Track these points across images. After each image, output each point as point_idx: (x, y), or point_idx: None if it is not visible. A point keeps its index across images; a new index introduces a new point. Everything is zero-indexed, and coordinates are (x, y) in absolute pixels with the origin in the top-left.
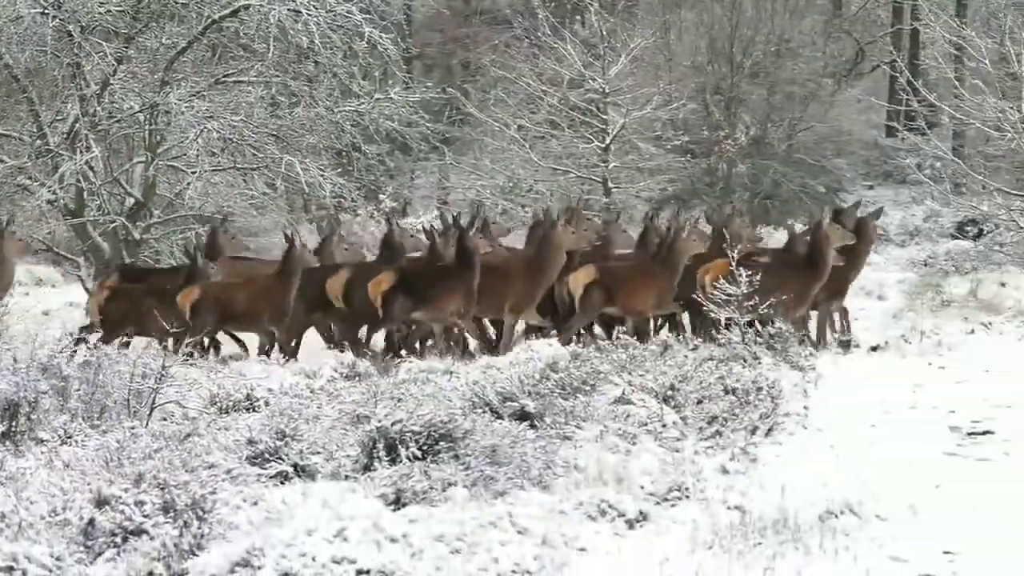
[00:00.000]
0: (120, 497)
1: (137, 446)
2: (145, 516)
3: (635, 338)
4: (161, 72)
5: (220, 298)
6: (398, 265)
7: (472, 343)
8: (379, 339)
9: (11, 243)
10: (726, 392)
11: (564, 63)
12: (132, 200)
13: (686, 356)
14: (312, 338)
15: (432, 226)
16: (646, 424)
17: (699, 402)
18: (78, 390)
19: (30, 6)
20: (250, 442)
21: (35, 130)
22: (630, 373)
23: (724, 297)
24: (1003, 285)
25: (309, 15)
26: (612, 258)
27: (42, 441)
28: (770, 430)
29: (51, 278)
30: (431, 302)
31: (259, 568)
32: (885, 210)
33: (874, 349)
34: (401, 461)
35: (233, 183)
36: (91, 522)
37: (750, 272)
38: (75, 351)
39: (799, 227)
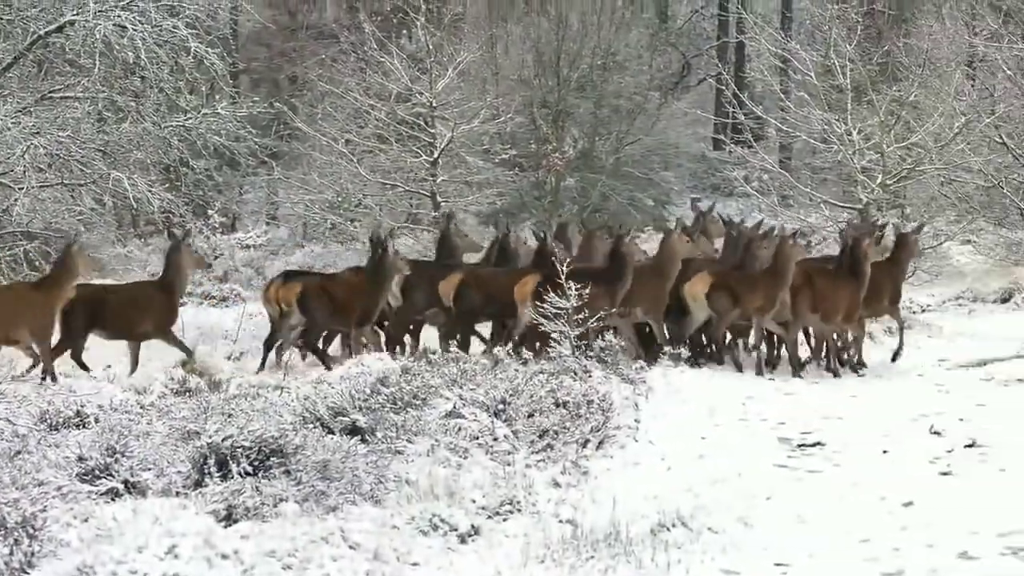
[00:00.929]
0: None
1: None
2: None
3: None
4: None
5: (323, 294)
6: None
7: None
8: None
9: (188, 255)
10: (557, 405)
11: (391, 77)
12: None
13: (517, 370)
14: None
15: (544, 233)
16: (477, 438)
17: (530, 416)
18: None
19: None
20: (80, 459)
21: None
22: (461, 387)
23: (554, 311)
24: None
25: (135, 30)
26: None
27: None
28: (601, 443)
29: None
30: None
31: None
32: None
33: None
34: (232, 477)
35: (61, 199)
36: None
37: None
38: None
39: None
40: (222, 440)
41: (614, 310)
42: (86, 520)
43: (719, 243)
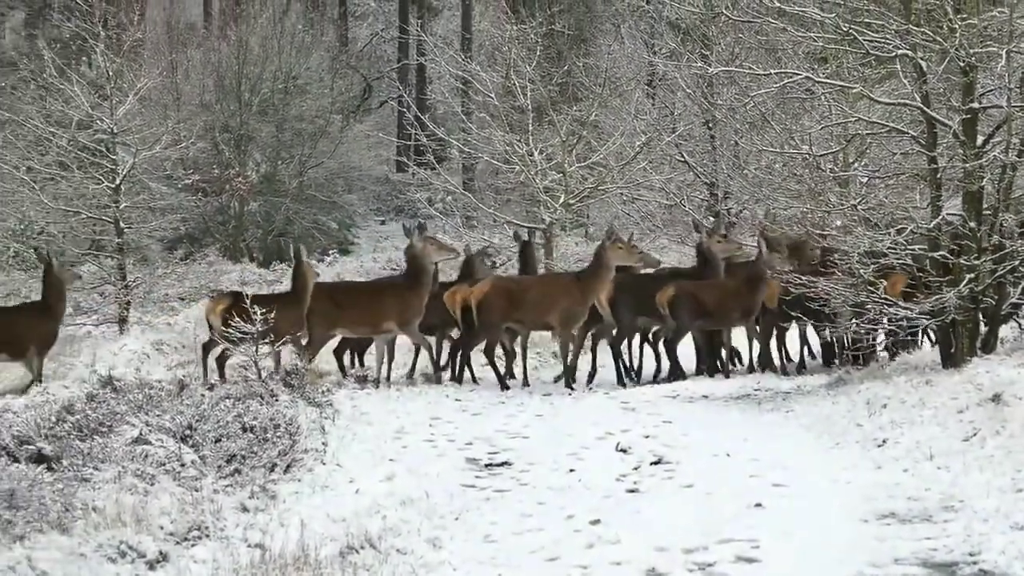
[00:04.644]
0: None
1: None
2: None
3: None
4: None
5: (512, 297)
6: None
7: None
8: None
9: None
10: (244, 430)
11: (72, 104)
12: None
13: (203, 395)
14: None
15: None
16: (164, 464)
17: (217, 440)
18: None
19: None
20: None
21: None
22: (147, 413)
23: (239, 335)
24: None
25: None
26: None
27: None
28: (289, 467)
29: None
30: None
31: None
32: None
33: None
34: None
35: None
36: None
37: None
38: None
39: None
40: None
41: None
42: None
43: None
